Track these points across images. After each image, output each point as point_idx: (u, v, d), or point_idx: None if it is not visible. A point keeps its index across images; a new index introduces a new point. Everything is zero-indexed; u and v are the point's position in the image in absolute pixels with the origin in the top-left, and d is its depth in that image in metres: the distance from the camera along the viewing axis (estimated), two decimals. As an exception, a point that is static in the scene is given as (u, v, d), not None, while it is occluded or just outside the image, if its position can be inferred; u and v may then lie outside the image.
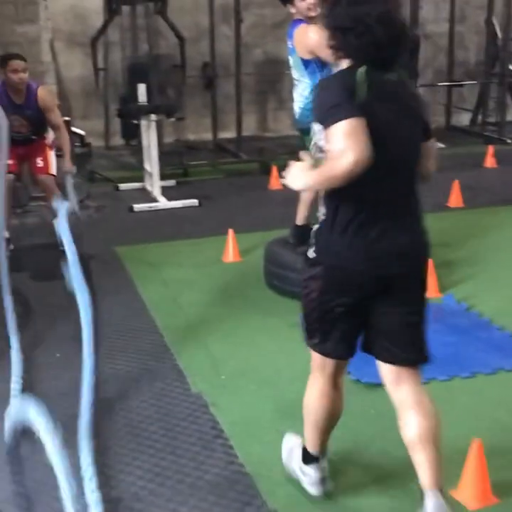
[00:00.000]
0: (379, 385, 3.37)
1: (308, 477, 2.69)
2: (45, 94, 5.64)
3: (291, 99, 4.85)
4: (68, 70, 9.86)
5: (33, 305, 4.61)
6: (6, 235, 5.59)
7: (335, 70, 4.29)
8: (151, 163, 7.32)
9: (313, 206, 4.91)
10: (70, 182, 5.35)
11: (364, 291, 2.42)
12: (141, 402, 3.35)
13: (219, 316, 4.39)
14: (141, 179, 7.82)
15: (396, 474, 2.77)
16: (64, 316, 4.38)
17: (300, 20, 4.39)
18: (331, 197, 2.39)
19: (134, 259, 5.51)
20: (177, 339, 4.04)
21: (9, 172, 5.59)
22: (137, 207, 7.04)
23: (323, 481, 2.68)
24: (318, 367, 2.68)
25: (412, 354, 2.54)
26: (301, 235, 4.95)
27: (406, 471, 2.74)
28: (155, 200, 7.23)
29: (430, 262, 4.44)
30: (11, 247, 5.59)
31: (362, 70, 2.33)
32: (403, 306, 2.45)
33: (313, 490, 2.68)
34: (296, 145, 5.01)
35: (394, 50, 2.39)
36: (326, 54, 4.28)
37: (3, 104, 5.43)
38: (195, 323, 4.27)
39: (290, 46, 4.50)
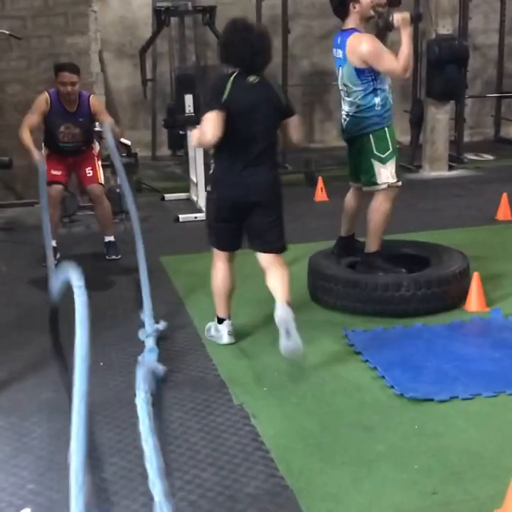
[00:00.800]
0: (423, 401, 3.34)
1: (221, 332, 4.13)
2: (97, 100, 5.82)
3: (338, 110, 4.84)
4: (117, 81, 10.00)
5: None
6: (54, 243, 5.70)
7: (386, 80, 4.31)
8: (197, 173, 7.36)
9: (355, 219, 4.89)
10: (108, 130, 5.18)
11: (236, 210, 3.92)
12: (184, 412, 3.35)
13: (262, 327, 4.38)
14: (186, 189, 7.88)
15: (438, 491, 2.71)
16: (108, 325, 4.44)
17: (352, 30, 4.39)
18: (216, 153, 3.92)
19: (180, 269, 5.54)
20: (220, 350, 4.04)
21: (57, 182, 5.71)
22: (183, 217, 7.08)
23: (230, 333, 4.13)
24: (217, 256, 4.24)
25: (276, 244, 4.03)
26: (345, 246, 4.93)
27: (451, 486, 2.69)
28: (200, 211, 7.26)
29: (477, 276, 4.44)
30: (58, 255, 5.67)
31: (232, 76, 3.82)
32: (265, 216, 3.93)
33: (225, 340, 4.10)
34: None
35: (257, 61, 3.82)
36: (379, 63, 4.30)
37: (57, 114, 5.56)
38: (238, 334, 4.26)
39: (340, 56, 4.48)
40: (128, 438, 3.11)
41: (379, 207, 4.56)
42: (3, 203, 7.42)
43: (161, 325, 4.26)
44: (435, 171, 8.75)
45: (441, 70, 8.35)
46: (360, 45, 4.34)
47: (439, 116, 8.72)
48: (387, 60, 4.35)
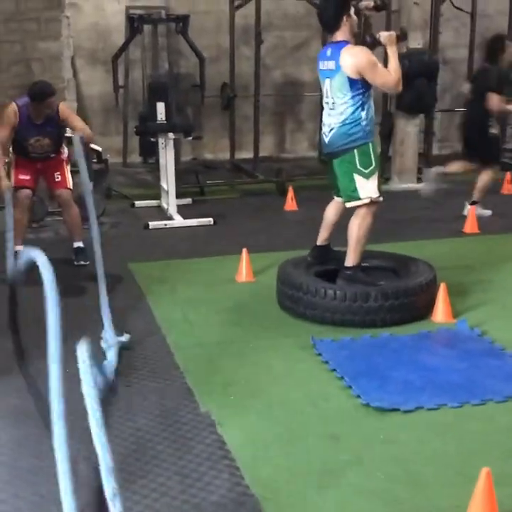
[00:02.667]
0: (389, 410, 3.36)
1: None
2: (65, 106, 5.78)
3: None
4: (89, 87, 9.97)
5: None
6: (20, 248, 5.64)
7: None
8: (168, 181, 7.36)
9: (333, 229, 4.93)
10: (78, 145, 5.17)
11: None
12: (150, 420, 3.33)
13: (230, 335, 4.38)
14: (157, 197, 7.87)
15: (402, 500, 2.73)
16: (74, 333, 4.39)
17: (345, 42, 4.45)
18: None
19: (148, 276, 5.52)
20: (187, 358, 4.03)
21: (26, 187, 5.66)
22: (152, 224, 7.07)
23: None
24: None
25: None
26: (319, 255, 4.96)
27: (416, 495, 2.72)
28: (170, 218, 7.26)
29: (444, 287, 4.48)
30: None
31: None
32: None
33: None
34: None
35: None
36: (374, 75, 4.35)
37: (25, 127, 5.50)
38: (206, 342, 4.27)
39: (330, 68, 4.50)
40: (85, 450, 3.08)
41: (361, 221, 4.59)
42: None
43: (124, 337, 4.17)
44: (404, 182, 8.84)
45: (412, 84, 8.43)
46: (357, 56, 4.39)
47: (409, 129, 8.82)
48: (381, 72, 4.43)
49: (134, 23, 9.03)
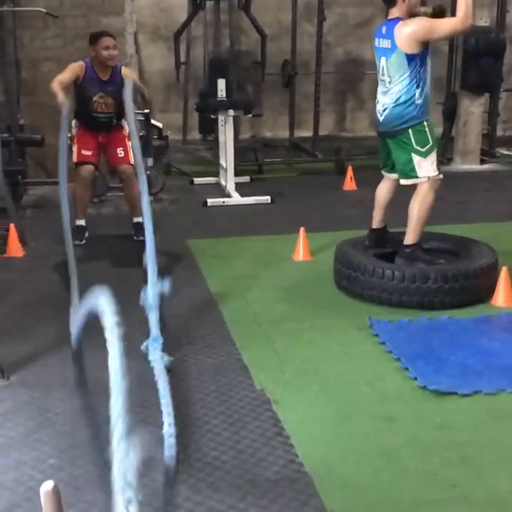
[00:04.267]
0: (446, 394, 3.32)
1: None
2: (128, 70, 5.83)
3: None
4: (150, 63, 10.01)
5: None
6: (83, 223, 5.74)
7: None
8: (227, 158, 7.36)
9: (387, 210, 4.86)
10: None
11: None
12: (205, 395, 3.36)
13: (286, 313, 4.38)
14: (215, 174, 7.88)
15: (457, 484, 2.70)
16: (132, 305, 4.45)
17: (398, 19, 4.39)
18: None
19: (205, 253, 5.55)
20: (243, 334, 4.04)
21: (88, 162, 5.72)
22: (210, 201, 7.09)
23: None
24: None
25: None
26: (377, 238, 4.90)
27: (471, 480, 2.68)
28: (228, 196, 7.27)
29: (505, 271, 4.40)
30: (87, 235, 5.70)
31: None
32: None
33: None
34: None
35: None
36: (437, 31, 4.29)
37: (90, 83, 5.56)
38: (262, 319, 4.27)
39: (386, 46, 4.44)
40: (149, 417, 3.13)
41: (423, 198, 4.52)
42: (33, 180, 7.47)
43: (166, 283, 3.72)
44: (467, 164, 8.67)
45: (477, 62, 8.25)
46: (414, 25, 4.33)
47: (473, 109, 8.62)
48: (441, 24, 4.36)
49: (197, 0, 9.01)
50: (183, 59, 9.70)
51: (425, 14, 4.52)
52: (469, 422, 3.14)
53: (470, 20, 4.32)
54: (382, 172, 4.85)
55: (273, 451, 2.91)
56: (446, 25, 4.37)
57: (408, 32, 4.32)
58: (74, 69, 5.53)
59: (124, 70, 5.68)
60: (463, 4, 4.24)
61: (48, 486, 1.55)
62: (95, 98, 5.61)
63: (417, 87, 4.40)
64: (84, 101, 5.61)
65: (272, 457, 2.87)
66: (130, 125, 4.49)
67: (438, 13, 4.59)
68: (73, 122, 5.77)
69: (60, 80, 5.40)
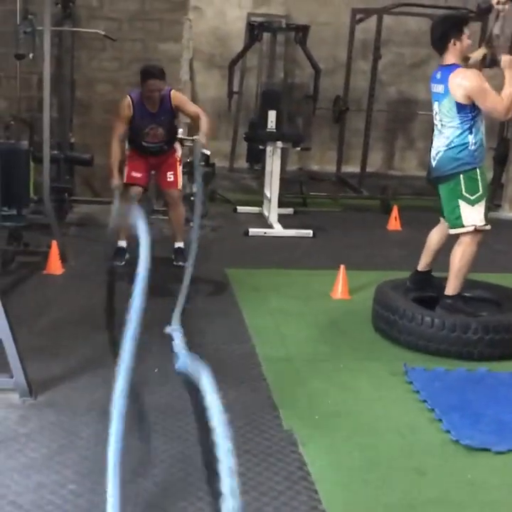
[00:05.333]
0: (479, 450, 3.21)
1: None
2: (178, 94, 5.79)
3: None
4: (204, 91, 10.09)
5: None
6: (124, 244, 5.75)
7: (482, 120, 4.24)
8: (272, 189, 7.35)
9: (436, 255, 4.77)
10: (196, 157, 5.34)
11: None
12: (232, 431, 3.28)
13: (320, 353, 4.31)
14: (259, 204, 7.87)
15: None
16: (165, 333, 4.43)
17: (455, 65, 4.34)
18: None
19: (244, 283, 5.51)
20: (275, 371, 3.98)
21: (138, 185, 5.76)
22: (252, 231, 7.07)
23: None
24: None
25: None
26: (420, 281, 4.81)
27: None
28: (270, 227, 7.25)
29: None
30: (127, 256, 5.71)
31: None
32: None
33: None
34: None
35: None
36: (484, 99, 4.22)
37: (140, 117, 5.61)
38: (295, 356, 4.21)
39: (439, 91, 4.40)
40: (174, 449, 3.08)
41: (465, 249, 4.43)
42: (79, 198, 7.54)
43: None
44: (515, 212, 8.53)
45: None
46: (466, 80, 4.28)
47: (525, 157, 8.50)
48: (491, 97, 4.28)
49: (254, 31, 9.07)
50: (236, 88, 9.76)
51: (499, 3, 4.45)
52: (502, 481, 3.04)
53: (509, 115, 4.35)
54: (441, 218, 4.76)
55: (297, 496, 2.83)
56: (491, 104, 4.28)
57: (461, 84, 4.28)
58: (124, 115, 5.60)
59: (174, 95, 5.67)
60: (508, 96, 4.25)
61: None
62: (146, 130, 5.66)
63: (470, 133, 4.34)
64: (135, 132, 5.67)
65: (296, 502, 2.79)
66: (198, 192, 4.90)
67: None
68: (126, 144, 5.83)
69: (119, 136, 5.53)
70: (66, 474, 2.89)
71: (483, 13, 4.50)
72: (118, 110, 5.68)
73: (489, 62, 4.52)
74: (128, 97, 5.63)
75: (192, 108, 5.73)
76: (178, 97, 5.73)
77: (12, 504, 2.66)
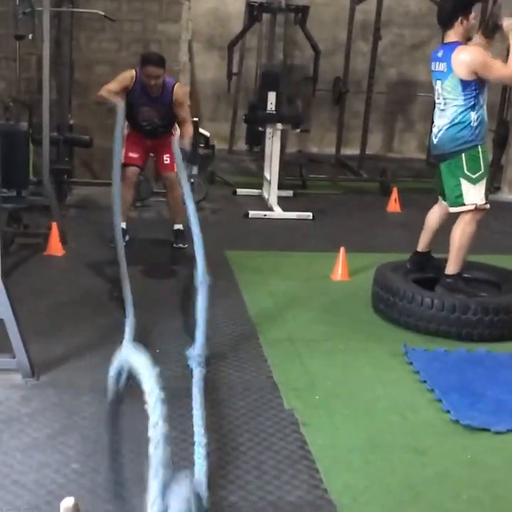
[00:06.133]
0: (479, 430, 3.24)
1: None
2: (181, 90, 5.77)
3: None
4: (203, 72, 10.05)
5: (139, 298, 4.69)
6: (124, 225, 5.75)
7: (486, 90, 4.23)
8: (271, 171, 7.34)
9: (435, 235, 4.78)
10: (178, 156, 5.23)
11: None
12: (233, 410, 3.32)
13: (320, 333, 4.33)
14: (259, 186, 7.86)
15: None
16: (169, 312, 4.45)
17: (457, 43, 4.33)
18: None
19: (243, 265, 5.52)
20: (276, 352, 4.00)
21: (134, 165, 5.75)
22: (252, 213, 7.07)
23: None
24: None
25: None
26: (419, 262, 4.83)
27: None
28: (270, 209, 7.25)
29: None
30: (127, 238, 5.71)
31: None
32: None
33: None
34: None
35: None
36: (489, 71, 4.22)
37: (139, 95, 5.58)
38: (295, 338, 4.22)
39: (442, 70, 4.39)
40: (176, 429, 3.10)
41: (464, 228, 4.44)
42: (79, 180, 7.53)
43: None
44: (514, 194, 8.53)
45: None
46: (469, 56, 4.28)
47: (525, 139, 8.48)
48: (496, 67, 4.29)
49: (254, 11, 9.01)
50: (235, 70, 9.72)
51: (480, 43, 4.46)
52: (501, 461, 3.06)
53: None
54: (439, 198, 4.76)
55: (298, 475, 2.86)
56: (496, 72, 4.30)
57: (464, 60, 4.28)
58: (124, 80, 5.57)
59: (177, 90, 5.64)
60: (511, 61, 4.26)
61: (68, 502, 1.53)
62: (143, 109, 5.63)
63: (473, 111, 4.34)
64: (131, 108, 5.63)
65: (297, 481, 2.82)
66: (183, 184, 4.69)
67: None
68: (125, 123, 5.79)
69: (108, 90, 5.47)
70: (69, 454, 2.91)
71: (489, 33, 4.49)
72: (117, 76, 5.63)
73: (492, 27, 4.49)
74: (133, 71, 5.60)
75: (184, 113, 5.69)
76: (180, 95, 5.68)
77: (15, 483, 2.68)
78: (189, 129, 5.65)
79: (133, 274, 5.10)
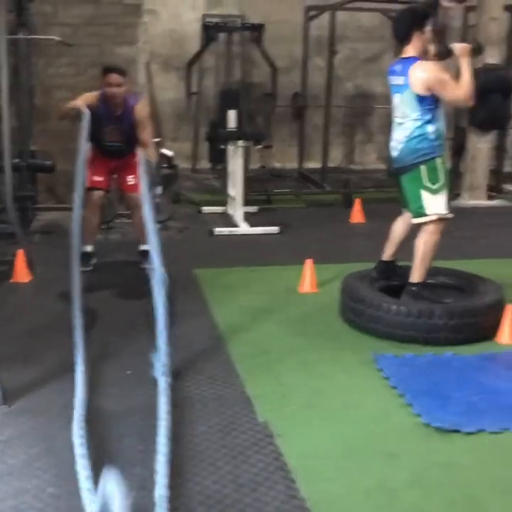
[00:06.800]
0: (450, 431, 3.30)
1: None
2: (142, 109, 5.71)
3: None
4: (162, 93, 10.11)
5: (109, 320, 4.69)
6: (90, 249, 5.75)
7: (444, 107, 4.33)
8: (236, 188, 7.40)
9: (400, 244, 4.87)
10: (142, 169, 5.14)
11: None
12: (208, 427, 3.34)
13: (291, 346, 4.37)
14: (224, 203, 7.92)
15: (462, 526, 2.67)
16: (138, 333, 4.45)
17: (415, 58, 4.42)
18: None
19: (212, 282, 5.55)
20: (248, 366, 4.03)
21: (99, 188, 5.76)
22: (218, 230, 7.11)
23: None
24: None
25: None
26: (385, 270, 4.90)
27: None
28: (236, 225, 7.30)
29: (511, 308, 4.38)
30: (94, 261, 5.71)
31: None
32: None
33: None
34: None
35: None
36: (444, 90, 4.32)
37: (102, 115, 5.60)
38: (266, 351, 4.26)
39: (400, 83, 4.49)
40: (150, 447, 3.11)
41: (428, 238, 4.53)
42: (43, 206, 7.51)
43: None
44: (474, 199, 8.69)
45: (486, 99, 8.29)
46: (426, 73, 4.36)
47: (480, 146, 8.66)
48: (452, 87, 4.38)
49: (210, 31, 9.13)
50: (194, 89, 9.80)
51: (434, 55, 4.56)
52: (473, 461, 3.12)
53: (469, 101, 4.46)
54: (402, 208, 4.84)
55: (274, 486, 2.88)
56: (452, 93, 4.39)
57: (420, 77, 4.36)
58: (88, 97, 5.58)
59: (139, 108, 5.64)
60: (464, 84, 4.37)
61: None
62: (106, 129, 5.65)
63: (430, 123, 4.43)
64: (96, 129, 5.64)
65: (274, 492, 2.84)
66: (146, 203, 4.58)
67: (476, 51, 4.63)
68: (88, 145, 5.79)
69: (73, 103, 5.48)
70: (45, 478, 2.90)
71: (441, 57, 4.60)
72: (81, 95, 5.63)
73: (444, 53, 4.61)
74: (96, 93, 5.62)
75: (145, 135, 5.63)
76: (141, 114, 5.64)
77: (-7, 511, 2.68)
78: (151, 154, 5.57)
79: (102, 297, 5.12)
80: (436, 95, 4.39)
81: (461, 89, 4.38)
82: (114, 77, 5.52)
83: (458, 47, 4.49)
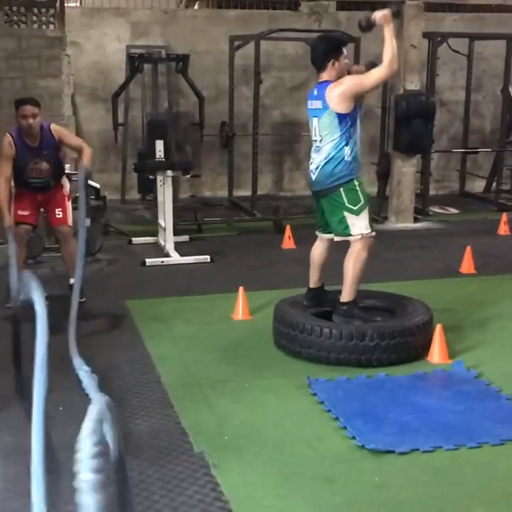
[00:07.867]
0: (384, 452, 3.33)
1: None
2: (58, 127, 5.74)
3: (307, 161, 4.90)
4: (89, 124, 10.04)
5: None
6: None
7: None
8: (166, 218, 7.37)
9: (323, 269, 4.93)
10: (81, 175, 5.33)
11: None
12: (143, 460, 3.30)
13: (225, 375, 4.36)
14: (154, 233, 7.88)
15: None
16: (68, 368, 4.37)
17: (329, 82, 4.55)
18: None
19: (144, 313, 5.50)
20: (182, 397, 4.00)
21: (26, 223, 5.66)
22: (149, 261, 7.06)
23: None
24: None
25: None
26: (314, 298, 4.94)
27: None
28: (167, 255, 7.26)
29: (440, 328, 4.48)
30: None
31: None
32: None
33: None
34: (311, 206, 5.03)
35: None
36: (366, 83, 4.47)
37: (22, 153, 5.53)
38: (200, 381, 4.24)
39: (318, 107, 4.58)
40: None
41: (357, 256, 4.60)
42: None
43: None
44: (401, 222, 8.87)
45: (409, 125, 8.52)
46: (342, 85, 4.48)
47: (405, 170, 8.87)
48: (370, 74, 4.53)
49: (135, 62, 9.11)
50: (121, 120, 9.76)
51: (357, 72, 4.67)
52: (407, 481, 3.16)
53: (395, 65, 4.55)
54: (317, 233, 4.93)
55: (212, 517, 2.86)
56: (374, 74, 4.53)
57: (339, 91, 4.48)
58: (7, 154, 5.52)
59: (55, 128, 5.63)
60: (388, 51, 4.46)
61: None
62: (30, 166, 5.58)
63: (347, 145, 4.53)
64: (19, 170, 5.58)
65: (211, 523, 2.82)
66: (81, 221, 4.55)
67: (395, 14, 4.73)
68: (12, 182, 5.72)
69: (5, 177, 5.45)
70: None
71: (365, 30, 4.69)
72: (2, 150, 5.59)
73: (366, 25, 4.62)
74: (8, 135, 5.55)
75: (74, 140, 5.74)
76: (59, 130, 5.69)
77: None
78: (86, 151, 5.54)
79: (29, 331, 4.99)
80: (353, 114, 4.50)
81: (378, 70, 4.51)
82: (28, 109, 5.47)
83: (378, 15, 4.54)
